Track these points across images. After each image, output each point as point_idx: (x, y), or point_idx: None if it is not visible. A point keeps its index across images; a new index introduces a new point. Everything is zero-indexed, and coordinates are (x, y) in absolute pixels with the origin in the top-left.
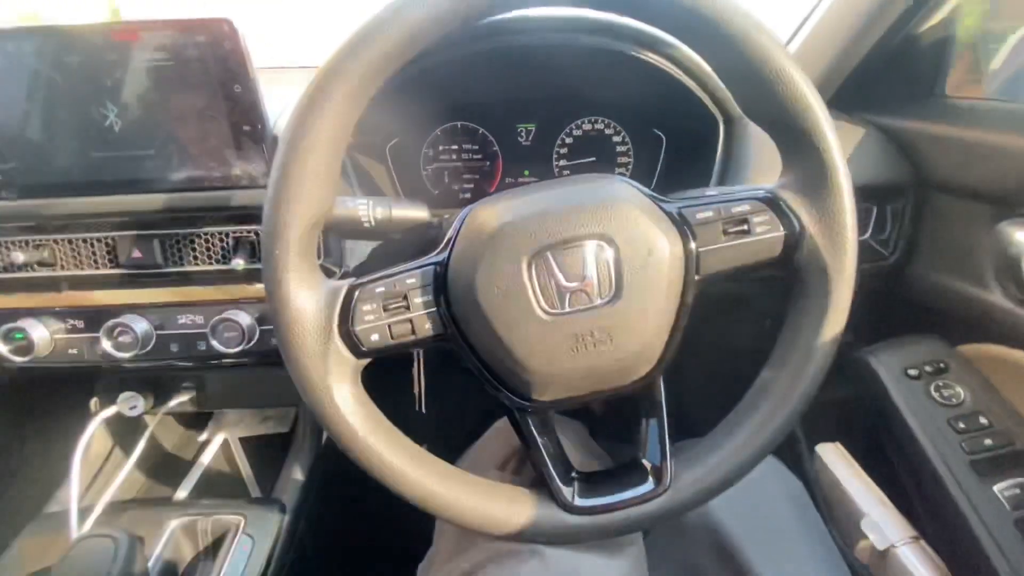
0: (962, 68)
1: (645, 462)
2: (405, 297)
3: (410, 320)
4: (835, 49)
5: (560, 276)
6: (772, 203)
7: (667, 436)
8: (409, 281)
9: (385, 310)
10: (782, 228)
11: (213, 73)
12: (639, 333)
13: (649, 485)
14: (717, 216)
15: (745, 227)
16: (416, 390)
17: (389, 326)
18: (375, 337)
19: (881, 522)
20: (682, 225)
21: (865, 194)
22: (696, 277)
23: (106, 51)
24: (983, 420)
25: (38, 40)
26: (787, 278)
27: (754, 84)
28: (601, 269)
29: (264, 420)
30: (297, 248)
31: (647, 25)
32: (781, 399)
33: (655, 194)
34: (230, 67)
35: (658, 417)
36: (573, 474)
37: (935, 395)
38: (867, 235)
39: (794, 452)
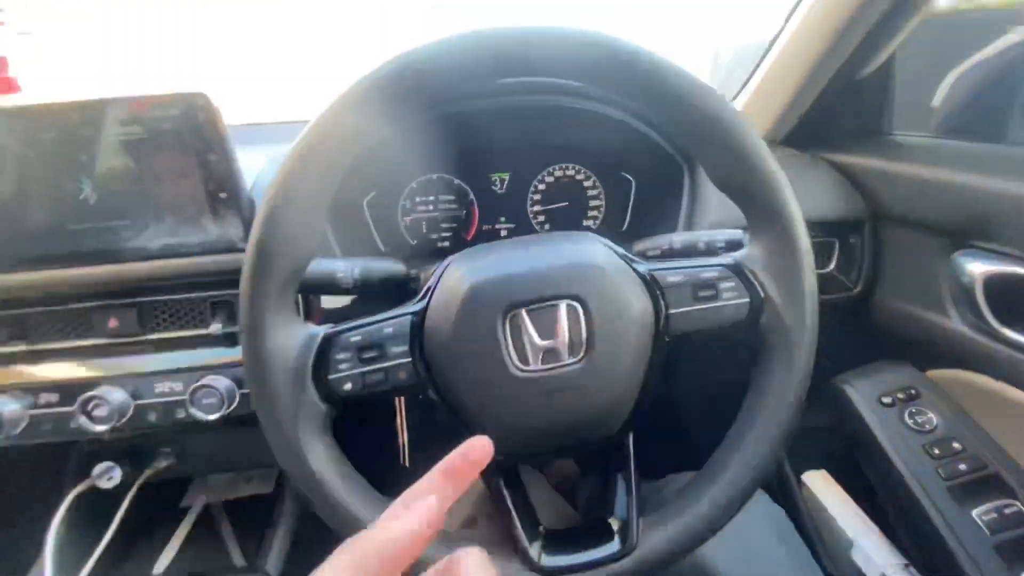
0: None
1: (612, 521)
2: (381, 346)
3: (384, 369)
4: (786, 93)
5: (534, 334)
6: (739, 271)
7: (635, 493)
8: (386, 331)
9: (360, 359)
10: (748, 295)
11: (188, 144)
12: (608, 392)
13: (615, 545)
14: (687, 280)
15: (713, 292)
16: (400, 442)
17: (363, 375)
18: (348, 386)
19: (870, 550)
20: (653, 287)
21: (825, 229)
22: (666, 338)
23: (80, 127)
24: (956, 445)
25: (12, 119)
26: (753, 341)
27: (727, 162)
28: (573, 329)
29: (247, 481)
30: (276, 295)
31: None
32: (747, 461)
33: (627, 254)
34: (205, 137)
35: (626, 474)
36: (540, 530)
37: (909, 421)
38: (831, 267)
39: (782, 481)
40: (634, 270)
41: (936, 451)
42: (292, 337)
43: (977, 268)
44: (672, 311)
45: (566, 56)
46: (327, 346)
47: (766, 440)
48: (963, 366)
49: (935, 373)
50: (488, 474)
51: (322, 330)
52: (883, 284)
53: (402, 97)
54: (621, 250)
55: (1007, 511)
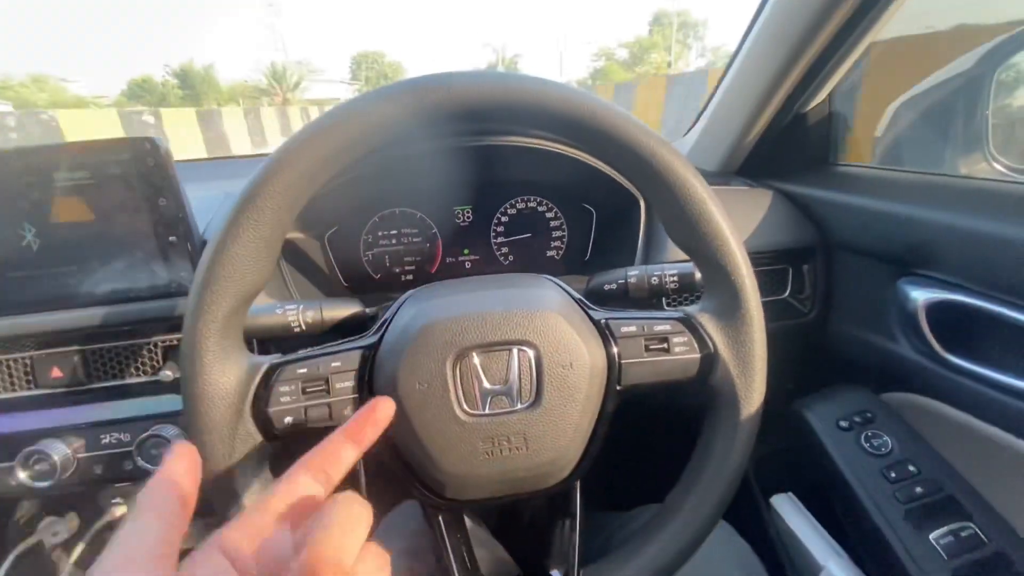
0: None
1: (554, 572)
2: (327, 380)
3: (328, 404)
4: (736, 126)
5: (483, 378)
6: (690, 325)
7: (578, 544)
8: (333, 364)
9: (304, 392)
10: (698, 350)
11: (137, 189)
12: (555, 441)
13: None
14: (640, 332)
15: (665, 345)
16: (361, 482)
17: (305, 409)
18: (288, 420)
19: (838, 575)
20: (607, 335)
21: (778, 257)
22: (618, 387)
23: (23, 174)
24: (912, 468)
25: None
26: (703, 397)
27: (682, 222)
28: (523, 374)
29: (206, 529)
30: (220, 324)
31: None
32: (687, 521)
33: (584, 300)
34: (154, 182)
35: (571, 524)
36: None
37: (865, 445)
38: (786, 294)
39: (750, 504)
40: (589, 317)
41: (893, 474)
42: (234, 366)
43: (920, 295)
44: (624, 361)
45: (534, 112)
46: (270, 377)
47: (707, 503)
48: (913, 390)
49: (889, 396)
50: (431, 517)
51: (267, 360)
52: (836, 310)
53: (355, 143)
54: (578, 295)
55: (963, 534)
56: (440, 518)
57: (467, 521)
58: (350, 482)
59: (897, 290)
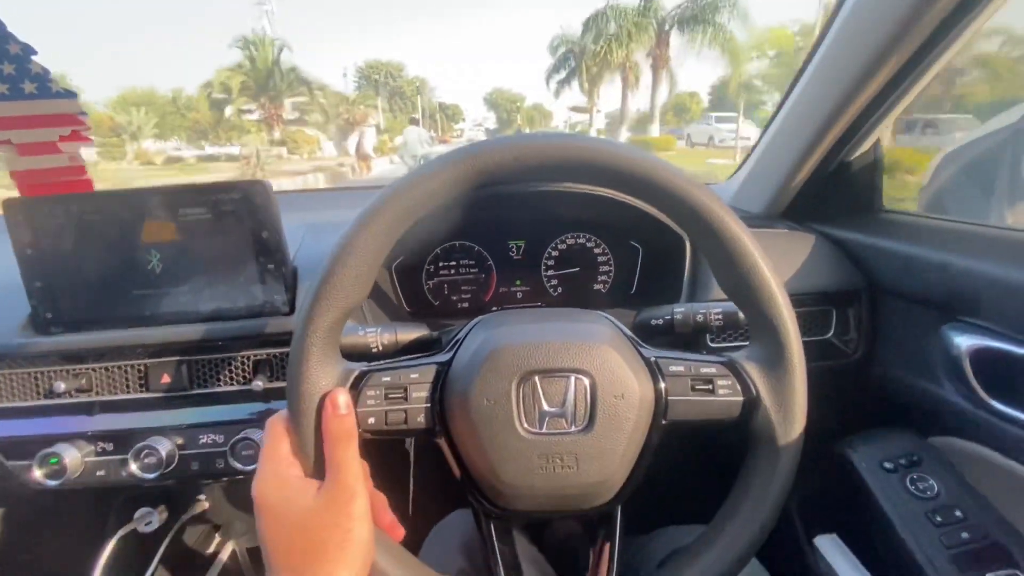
0: None
1: None
2: (405, 389)
3: (405, 411)
4: (782, 170)
5: (543, 400)
6: (735, 370)
7: (615, 567)
8: (412, 375)
9: (386, 398)
10: (741, 394)
11: (245, 223)
12: (603, 464)
13: None
14: (687, 372)
15: (710, 387)
16: (410, 490)
17: (386, 412)
18: (371, 420)
19: None
20: (656, 373)
21: (822, 299)
22: (663, 421)
23: (155, 208)
24: (958, 513)
25: (93, 202)
26: (744, 439)
27: (731, 272)
28: (579, 400)
29: None
30: (324, 333)
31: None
32: (716, 559)
33: (635, 338)
34: (260, 218)
35: (611, 546)
36: None
37: (911, 488)
38: (830, 335)
39: (793, 544)
40: (640, 355)
41: (938, 518)
42: (332, 369)
43: (964, 342)
44: (671, 397)
45: (597, 170)
46: (360, 381)
47: (739, 544)
48: (958, 434)
49: (936, 440)
50: (483, 524)
51: (358, 367)
52: (881, 352)
53: (466, 179)
54: (630, 334)
55: None
56: (492, 526)
57: (515, 534)
58: (400, 495)
59: (942, 336)
